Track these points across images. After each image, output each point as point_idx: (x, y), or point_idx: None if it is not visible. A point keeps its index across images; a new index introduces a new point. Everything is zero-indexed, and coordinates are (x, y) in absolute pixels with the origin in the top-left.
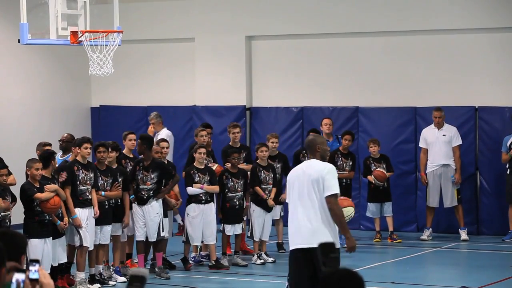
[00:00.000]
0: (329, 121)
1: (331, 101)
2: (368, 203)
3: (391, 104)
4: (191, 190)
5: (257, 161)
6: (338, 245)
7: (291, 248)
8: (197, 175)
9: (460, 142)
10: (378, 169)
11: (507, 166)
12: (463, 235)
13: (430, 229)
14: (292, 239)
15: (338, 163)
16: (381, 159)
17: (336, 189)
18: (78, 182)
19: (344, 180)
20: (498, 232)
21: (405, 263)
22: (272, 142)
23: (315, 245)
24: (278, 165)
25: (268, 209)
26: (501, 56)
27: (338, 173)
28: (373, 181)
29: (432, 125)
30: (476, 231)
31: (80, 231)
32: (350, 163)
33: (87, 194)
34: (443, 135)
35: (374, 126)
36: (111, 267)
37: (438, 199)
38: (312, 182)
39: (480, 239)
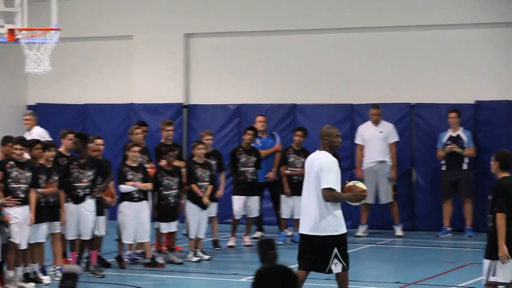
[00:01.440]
0: (263, 118)
1: (268, 98)
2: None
3: (328, 101)
4: (124, 188)
5: (193, 158)
6: (332, 232)
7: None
8: (129, 173)
9: (397, 139)
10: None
11: (443, 162)
12: (398, 231)
13: (366, 225)
14: (300, 223)
15: (290, 160)
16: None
17: (329, 184)
18: (10, 180)
19: (295, 177)
20: (432, 228)
21: None
22: (207, 140)
23: (316, 234)
24: (213, 162)
25: (204, 206)
26: (436, 53)
27: (289, 170)
28: None
29: (369, 122)
30: (411, 227)
31: (8, 229)
32: (303, 160)
33: (18, 192)
34: (380, 132)
35: (311, 123)
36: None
37: (373, 196)
38: (315, 173)
39: (415, 235)
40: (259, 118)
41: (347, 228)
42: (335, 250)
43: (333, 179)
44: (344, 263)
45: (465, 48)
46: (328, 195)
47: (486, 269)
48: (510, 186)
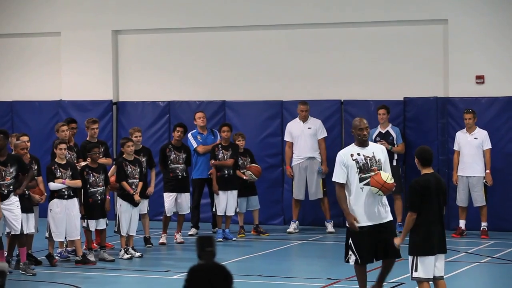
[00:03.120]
0: (202, 115)
1: (198, 95)
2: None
3: (258, 98)
4: (53, 185)
5: (123, 155)
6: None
7: None
8: (58, 170)
9: (325, 135)
10: (253, 164)
11: None
12: (329, 227)
13: (297, 221)
14: None
15: (219, 156)
16: (246, 153)
17: (334, 178)
18: None
19: (226, 172)
20: None
21: (271, 256)
22: (136, 137)
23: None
24: (143, 159)
25: (135, 203)
26: (365, 50)
27: (216, 161)
28: (247, 177)
29: (297, 118)
30: (343, 223)
31: None
32: (231, 153)
33: None
34: (308, 128)
35: (241, 119)
36: None
37: (304, 192)
38: None
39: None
40: (199, 115)
41: (278, 224)
42: (350, 241)
43: (337, 174)
44: (357, 256)
45: (394, 45)
46: (336, 188)
47: (409, 265)
48: (426, 183)
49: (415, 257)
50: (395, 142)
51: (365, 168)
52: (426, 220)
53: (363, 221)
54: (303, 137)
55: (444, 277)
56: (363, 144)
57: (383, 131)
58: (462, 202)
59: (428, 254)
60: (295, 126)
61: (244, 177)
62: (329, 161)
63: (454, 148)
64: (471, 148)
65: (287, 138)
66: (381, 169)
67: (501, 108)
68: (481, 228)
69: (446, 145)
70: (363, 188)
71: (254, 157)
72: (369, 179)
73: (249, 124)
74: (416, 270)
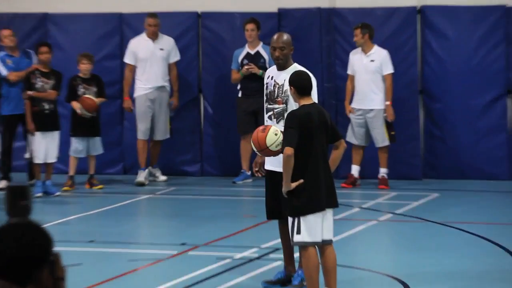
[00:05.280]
0: (9, 32)
1: (11, 5)
2: (72, 138)
3: (90, 10)
4: None
5: None
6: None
7: None
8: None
9: (178, 57)
10: (86, 95)
11: (239, 87)
12: (158, 174)
13: (146, 169)
14: None
15: (37, 85)
16: (93, 80)
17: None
18: None
19: (47, 107)
20: (228, 172)
21: (107, 216)
22: None
23: None
24: None
25: None
26: None
27: (32, 92)
28: (79, 110)
29: (144, 35)
30: (200, 172)
31: None
32: (54, 83)
33: None
34: (160, 49)
35: (67, 37)
36: None
37: (149, 133)
38: None
39: (205, 181)
40: (6, 32)
41: (116, 173)
42: None
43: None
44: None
45: None
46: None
47: (289, 226)
48: (307, 116)
49: (296, 218)
50: (267, 66)
51: (271, 97)
52: (309, 165)
53: (267, 165)
54: (153, 60)
55: (333, 240)
56: (278, 66)
57: (252, 52)
58: (357, 140)
59: (314, 211)
60: (142, 46)
61: (78, 111)
62: (183, 92)
63: (348, 73)
64: (367, 73)
65: (129, 59)
66: (286, 103)
67: (403, 20)
68: (380, 176)
69: (333, 70)
70: (267, 121)
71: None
72: (271, 113)
73: (78, 43)
74: (298, 232)
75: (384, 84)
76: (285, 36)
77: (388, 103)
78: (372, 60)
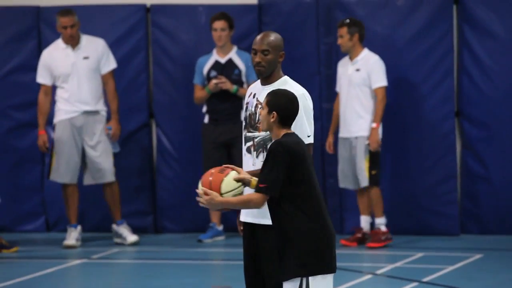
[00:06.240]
0: None
1: None
2: None
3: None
4: None
5: None
6: None
7: None
8: None
9: (114, 66)
10: None
11: (204, 110)
12: (128, 236)
13: (79, 226)
14: None
15: None
16: None
17: None
18: None
19: None
20: (191, 227)
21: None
22: None
23: None
24: None
25: None
26: None
27: None
28: None
29: (59, 41)
30: (153, 227)
31: None
32: None
33: None
34: (85, 58)
35: None
36: None
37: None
38: None
39: (162, 240)
40: None
41: (37, 231)
42: None
43: None
44: None
45: None
46: None
47: None
48: (299, 147)
49: (304, 279)
50: (244, 79)
51: (250, 122)
52: (313, 208)
53: (243, 215)
54: (76, 75)
55: None
56: (261, 80)
57: (223, 60)
58: (351, 183)
59: (326, 271)
60: (58, 57)
61: None
62: (127, 116)
63: (336, 90)
64: (351, 87)
65: (42, 78)
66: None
67: (434, 14)
68: (374, 229)
69: (335, 83)
70: (245, 154)
71: None
72: (250, 144)
73: None
74: None
75: (374, 102)
76: (272, 37)
77: (374, 125)
78: (357, 70)
